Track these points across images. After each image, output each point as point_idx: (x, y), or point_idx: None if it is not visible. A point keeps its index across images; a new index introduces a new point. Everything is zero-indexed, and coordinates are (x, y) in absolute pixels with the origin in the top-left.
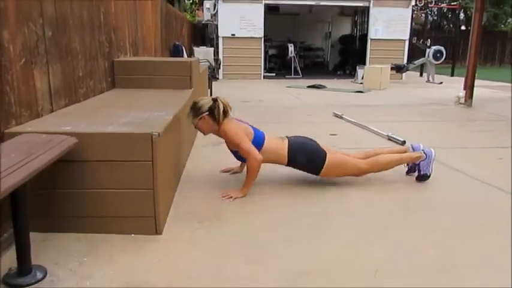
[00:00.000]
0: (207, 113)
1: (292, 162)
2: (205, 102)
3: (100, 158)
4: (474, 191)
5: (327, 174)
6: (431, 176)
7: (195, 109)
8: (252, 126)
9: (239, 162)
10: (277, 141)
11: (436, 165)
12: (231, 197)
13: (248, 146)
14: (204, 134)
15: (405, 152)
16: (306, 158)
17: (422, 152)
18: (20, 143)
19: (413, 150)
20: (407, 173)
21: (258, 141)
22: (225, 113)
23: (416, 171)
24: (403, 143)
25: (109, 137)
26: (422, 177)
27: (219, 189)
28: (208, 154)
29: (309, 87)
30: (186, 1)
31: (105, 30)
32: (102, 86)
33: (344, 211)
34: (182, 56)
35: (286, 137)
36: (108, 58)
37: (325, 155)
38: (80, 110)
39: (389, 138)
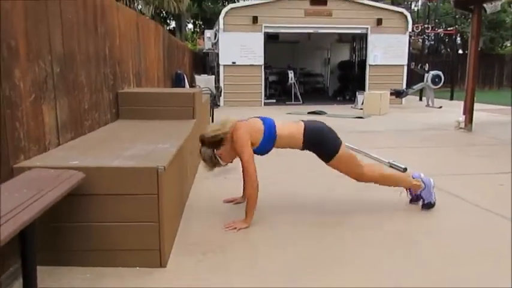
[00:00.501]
0: (222, 137)
1: (307, 145)
2: (219, 132)
3: (106, 191)
4: (475, 217)
5: (335, 164)
6: (435, 203)
7: (209, 140)
8: (261, 118)
9: (241, 193)
10: (291, 125)
11: (436, 192)
12: (235, 228)
13: (250, 166)
14: (228, 162)
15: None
16: (321, 141)
17: (421, 181)
18: (30, 178)
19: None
20: (411, 201)
21: (270, 133)
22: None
23: (420, 202)
24: (405, 169)
25: (115, 171)
26: (427, 206)
27: (222, 220)
28: (210, 184)
29: (309, 113)
30: (187, 30)
31: (110, 63)
32: (107, 118)
33: (347, 240)
34: (184, 84)
35: (302, 120)
36: (113, 90)
37: (340, 144)
38: (86, 142)
39: (391, 165)
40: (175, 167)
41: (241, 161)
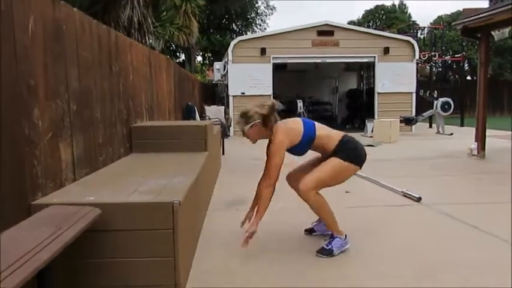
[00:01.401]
0: (259, 121)
1: (341, 146)
2: (258, 111)
3: (122, 227)
4: (493, 249)
5: (330, 161)
6: (332, 254)
7: (246, 117)
8: (302, 119)
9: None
10: (329, 129)
11: (453, 222)
12: (248, 239)
13: (274, 170)
14: (253, 141)
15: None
16: (355, 148)
17: (344, 238)
18: (48, 216)
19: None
20: (309, 230)
21: (309, 134)
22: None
23: (326, 243)
24: (419, 199)
25: (131, 207)
26: (325, 251)
27: (235, 251)
28: (223, 215)
29: None
30: (196, 63)
31: (123, 99)
32: (120, 152)
33: (362, 277)
34: (194, 116)
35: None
36: (126, 124)
37: (357, 163)
38: (101, 177)
39: (404, 195)
40: (190, 200)
41: (269, 162)
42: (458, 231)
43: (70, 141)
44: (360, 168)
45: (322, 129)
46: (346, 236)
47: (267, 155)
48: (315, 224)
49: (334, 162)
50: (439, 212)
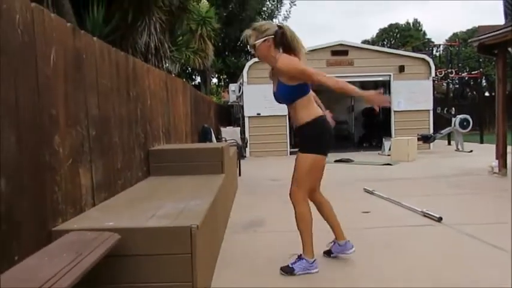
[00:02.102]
0: (272, 36)
1: (308, 126)
2: (272, 26)
3: (141, 252)
4: None
5: (299, 160)
6: (293, 273)
7: (260, 31)
8: None
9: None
10: (314, 105)
11: (475, 242)
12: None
13: (311, 69)
14: (260, 58)
15: (338, 225)
16: (319, 134)
17: (313, 261)
18: (68, 242)
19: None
20: (327, 252)
21: (307, 85)
22: (294, 44)
23: (291, 262)
24: (440, 219)
25: (149, 231)
26: (286, 269)
27: (255, 273)
28: (241, 237)
29: (336, 161)
30: (211, 84)
31: (141, 123)
32: (138, 176)
33: None
34: (211, 138)
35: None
36: (144, 148)
37: (320, 153)
38: (119, 202)
39: (425, 215)
40: (207, 223)
41: (307, 75)
42: (480, 251)
43: (89, 166)
44: (326, 156)
45: (312, 94)
46: (315, 260)
47: (300, 72)
48: (331, 244)
49: (302, 160)
50: (461, 232)
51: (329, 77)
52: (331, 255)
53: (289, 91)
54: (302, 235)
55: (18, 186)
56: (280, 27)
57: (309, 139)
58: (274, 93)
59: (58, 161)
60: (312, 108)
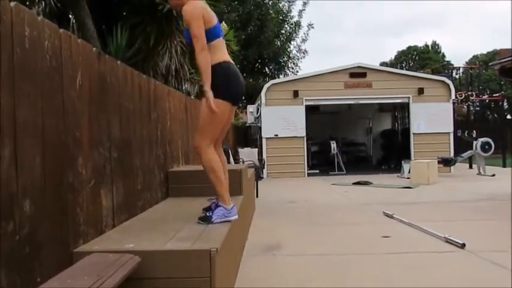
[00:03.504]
0: None
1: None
2: None
3: (160, 275)
4: None
5: (203, 109)
6: (211, 222)
7: None
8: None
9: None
10: (224, 51)
11: (499, 270)
12: (212, 108)
13: (198, 35)
14: (173, 6)
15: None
16: (226, 81)
17: (232, 207)
18: (90, 264)
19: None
20: (204, 210)
21: (215, 32)
22: None
23: (209, 212)
24: (463, 245)
25: (169, 254)
26: (204, 219)
27: None
28: (259, 261)
29: (354, 184)
30: None
31: (161, 144)
32: (158, 197)
33: None
34: (228, 158)
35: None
36: (163, 169)
37: (226, 100)
38: (139, 223)
39: (447, 241)
40: (226, 246)
41: (192, 34)
42: (505, 279)
43: (111, 188)
44: (233, 104)
45: (223, 41)
46: (233, 206)
47: (186, 23)
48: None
49: (204, 106)
50: (485, 259)
51: (203, 56)
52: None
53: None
54: (214, 182)
55: (42, 208)
56: None
57: (213, 83)
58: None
59: (81, 183)
60: (218, 53)
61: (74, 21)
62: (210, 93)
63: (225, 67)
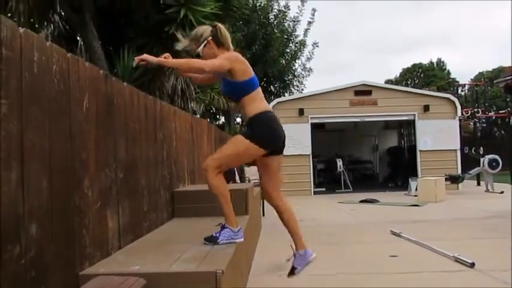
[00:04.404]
0: (210, 37)
1: (252, 122)
2: (206, 28)
3: None
4: None
5: (232, 140)
6: (217, 243)
7: (197, 37)
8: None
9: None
10: (263, 100)
11: None
12: (147, 60)
13: (213, 64)
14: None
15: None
16: (259, 131)
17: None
18: (95, 287)
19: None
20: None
21: (254, 83)
22: (228, 41)
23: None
24: (472, 265)
25: (174, 276)
26: (210, 239)
27: None
28: (266, 280)
29: (361, 201)
30: (235, 124)
31: (167, 164)
32: (163, 217)
33: None
34: (234, 177)
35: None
36: (169, 189)
37: (259, 146)
38: (145, 245)
39: (456, 260)
40: (232, 267)
41: (212, 61)
42: None
43: (117, 209)
44: (265, 151)
45: (261, 92)
46: (240, 229)
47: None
48: (292, 259)
49: (237, 139)
50: (495, 279)
51: (189, 61)
52: (296, 271)
53: (234, 87)
54: (221, 205)
55: (49, 231)
56: (214, 25)
57: (256, 129)
58: (221, 90)
59: (87, 205)
60: (257, 103)
61: (81, 43)
62: (160, 62)
63: (264, 117)
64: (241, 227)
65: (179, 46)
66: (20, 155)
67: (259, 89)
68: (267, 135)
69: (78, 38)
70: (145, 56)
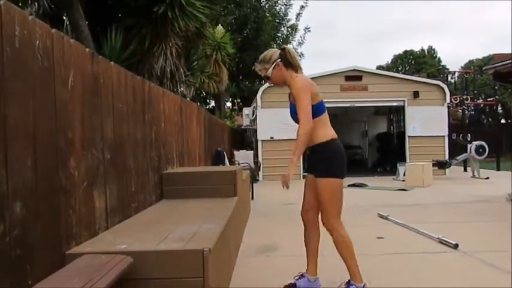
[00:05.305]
0: (279, 59)
1: (321, 148)
2: (275, 51)
3: (153, 275)
4: None
5: (322, 186)
6: None
7: (266, 60)
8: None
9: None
10: (329, 127)
11: (491, 270)
12: (286, 182)
13: (306, 108)
14: (278, 84)
15: (315, 259)
16: (332, 156)
17: (364, 284)
18: (82, 265)
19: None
20: (288, 286)
21: (322, 106)
22: (297, 62)
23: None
24: (456, 246)
25: (161, 254)
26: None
27: None
28: (254, 262)
29: (350, 186)
30: (225, 108)
31: (155, 146)
32: (152, 199)
33: None
34: (224, 161)
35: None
36: (158, 171)
37: (340, 176)
38: (133, 225)
39: (441, 241)
40: (220, 247)
41: (300, 106)
42: (497, 279)
43: (104, 189)
44: (342, 178)
45: (325, 119)
46: (364, 284)
47: (294, 99)
48: (297, 278)
49: (324, 184)
50: (477, 260)
51: (307, 130)
52: None
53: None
54: (346, 261)
55: (33, 210)
56: (282, 48)
57: (325, 161)
58: (290, 112)
59: (73, 184)
60: (327, 128)
61: (67, 23)
62: (294, 165)
63: (335, 145)
64: (365, 282)
65: (262, 73)
66: (2, 132)
67: (326, 113)
68: (341, 166)
69: (64, 18)
70: (284, 180)
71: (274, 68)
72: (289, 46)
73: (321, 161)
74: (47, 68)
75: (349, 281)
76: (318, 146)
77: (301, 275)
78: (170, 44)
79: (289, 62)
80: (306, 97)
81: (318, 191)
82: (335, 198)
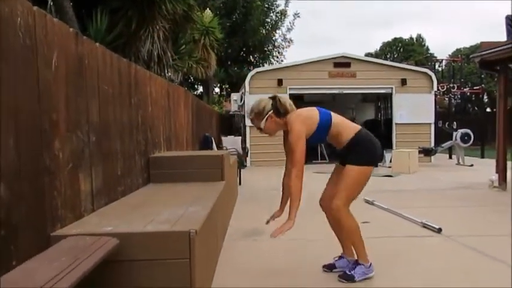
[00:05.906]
0: (271, 111)
1: (353, 141)
2: (266, 100)
3: (139, 257)
4: None
5: (348, 173)
6: (354, 280)
7: (260, 111)
8: (317, 108)
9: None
10: (347, 124)
11: (473, 254)
12: (281, 232)
13: (299, 155)
14: (271, 134)
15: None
16: (368, 147)
17: (370, 264)
18: (67, 246)
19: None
20: (328, 266)
21: (326, 121)
22: (288, 106)
23: (347, 269)
24: (439, 230)
25: (147, 236)
26: (346, 277)
27: (254, 282)
28: (240, 246)
29: None
30: (214, 94)
31: (142, 130)
32: (139, 182)
33: None
34: (211, 147)
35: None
36: (145, 155)
37: (374, 164)
38: (119, 208)
39: (424, 226)
40: (206, 230)
41: (293, 153)
42: (479, 263)
43: (89, 172)
44: (376, 166)
45: (338, 118)
46: (370, 264)
47: (289, 147)
48: (336, 259)
49: (352, 173)
50: (460, 244)
51: (295, 189)
52: (334, 270)
53: (317, 136)
54: (355, 243)
55: (17, 191)
56: (273, 98)
57: (359, 154)
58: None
59: (58, 166)
60: (346, 130)
61: (51, 4)
62: (292, 222)
63: (363, 134)
64: (371, 262)
65: (256, 124)
66: None
67: (335, 117)
68: (373, 153)
69: None
70: (277, 233)
71: (267, 120)
72: (278, 95)
73: (354, 152)
74: (29, 47)
75: (356, 260)
76: (351, 142)
77: (341, 256)
78: (157, 27)
79: (281, 112)
80: (300, 142)
81: (342, 175)
82: (356, 186)
